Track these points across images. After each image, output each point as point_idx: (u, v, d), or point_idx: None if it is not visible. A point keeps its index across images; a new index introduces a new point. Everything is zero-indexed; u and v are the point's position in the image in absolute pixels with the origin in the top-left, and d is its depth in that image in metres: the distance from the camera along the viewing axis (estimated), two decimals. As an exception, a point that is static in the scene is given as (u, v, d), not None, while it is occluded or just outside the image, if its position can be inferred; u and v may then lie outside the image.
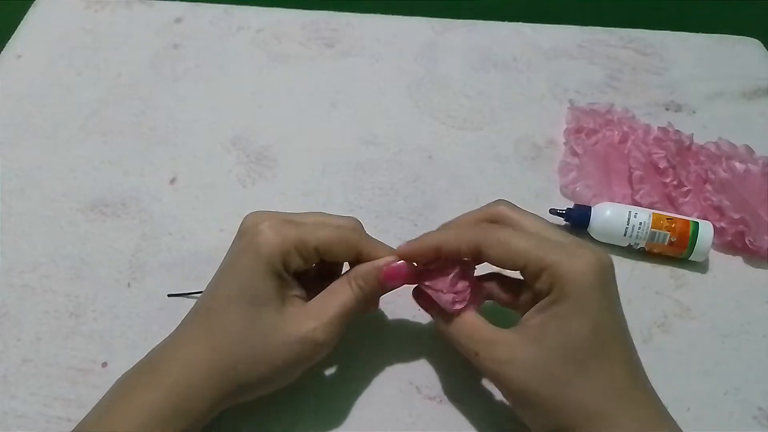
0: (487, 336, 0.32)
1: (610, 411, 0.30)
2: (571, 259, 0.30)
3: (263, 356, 0.31)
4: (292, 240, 0.32)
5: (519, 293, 0.34)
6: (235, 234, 0.34)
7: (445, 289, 0.33)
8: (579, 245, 0.32)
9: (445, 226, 0.36)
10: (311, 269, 0.36)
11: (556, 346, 0.30)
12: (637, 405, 0.30)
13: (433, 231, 0.35)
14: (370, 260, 0.34)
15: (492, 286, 0.36)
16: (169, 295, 0.41)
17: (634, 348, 0.32)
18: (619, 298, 0.32)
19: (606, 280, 0.31)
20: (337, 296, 0.33)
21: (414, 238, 0.34)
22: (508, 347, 0.31)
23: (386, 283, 0.34)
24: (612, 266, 0.32)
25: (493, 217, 0.35)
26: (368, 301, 0.34)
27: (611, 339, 0.31)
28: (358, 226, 0.35)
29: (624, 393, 0.30)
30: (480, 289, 0.35)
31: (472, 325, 0.33)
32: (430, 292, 0.34)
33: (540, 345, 0.30)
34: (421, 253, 0.34)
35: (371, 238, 0.35)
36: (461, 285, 0.34)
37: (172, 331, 0.33)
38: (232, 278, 0.32)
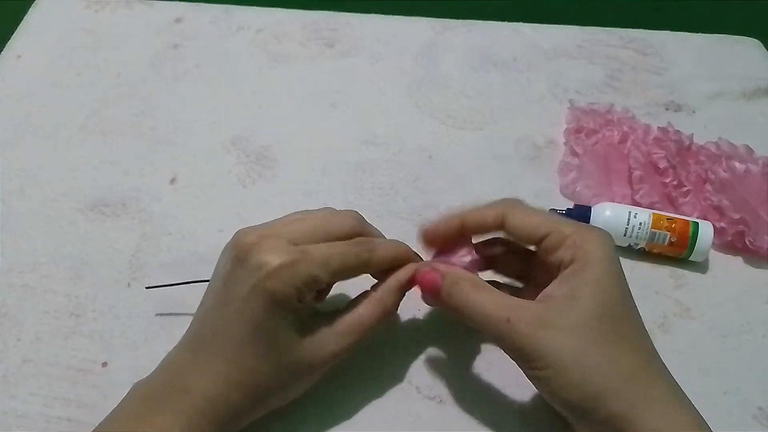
0: (516, 302, 0.32)
1: (645, 374, 0.30)
2: (589, 232, 0.32)
3: (292, 385, 0.33)
4: (304, 280, 0.31)
5: (524, 268, 0.36)
6: (230, 247, 0.32)
7: (459, 263, 0.35)
8: (586, 224, 0.34)
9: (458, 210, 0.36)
10: None
11: (594, 306, 0.30)
12: (663, 372, 0.31)
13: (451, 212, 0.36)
14: (384, 266, 0.34)
15: (499, 255, 0.37)
16: (147, 288, 0.41)
17: None
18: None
19: (616, 254, 0.32)
20: (361, 317, 0.33)
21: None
22: (540, 310, 0.31)
23: (424, 292, 0.35)
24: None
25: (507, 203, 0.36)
26: (392, 306, 0.35)
27: (632, 306, 0.32)
28: (363, 231, 0.35)
29: (654, 357, 0.31)
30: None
31: (496, 292, 0.33)
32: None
33: (575, 307, 0.30)
34: (445, 228, 0.35)
35: (382, 243, 0.35)
36: (473, 257, 0.35)
37: (181, 350, 0.33)
38: (244, 318, 0.31)
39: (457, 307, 0.33)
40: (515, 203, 0.35)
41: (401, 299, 0.35)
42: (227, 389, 0.31)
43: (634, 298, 0.42)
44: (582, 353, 0.30)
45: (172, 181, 0.48)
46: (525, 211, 0.34)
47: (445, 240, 0.36)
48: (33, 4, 0.61)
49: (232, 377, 0.31)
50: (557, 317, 0.30)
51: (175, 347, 0.33)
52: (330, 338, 0.33)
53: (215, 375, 0.31)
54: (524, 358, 0.31)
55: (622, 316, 0.31)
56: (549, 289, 0.32)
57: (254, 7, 0.62)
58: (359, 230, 0.35)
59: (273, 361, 0.31)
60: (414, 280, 0.35)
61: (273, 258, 0.30)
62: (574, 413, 0.31)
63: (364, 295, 0.35)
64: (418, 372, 0.39)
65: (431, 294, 0.34)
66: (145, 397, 0.31)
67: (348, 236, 0.34)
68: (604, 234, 0.32)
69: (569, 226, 0.32)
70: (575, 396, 0.30)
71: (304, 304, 0.32)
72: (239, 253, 0.31)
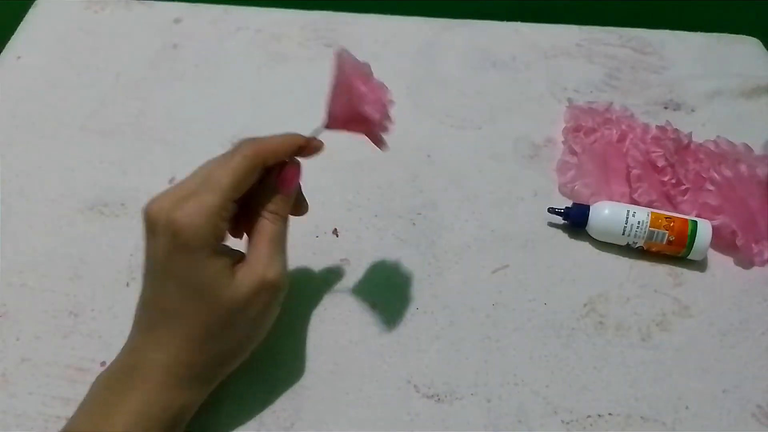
0: None
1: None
2: None
3: (234, 328, 0.32)
4: (213, 211, 0.31)
5: None
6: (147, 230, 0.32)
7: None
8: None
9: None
10: None
11: None
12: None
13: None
14: (278, 153, 0.35)
15: None
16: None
17: None
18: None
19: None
20: (262, 235, 0.33)
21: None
22: None
23: (287, 190, 0.34)
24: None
25: None
26: (287, 212, 0.35)
27: None
28: (246, 145, 0.34)
29: None
30: None
31: None
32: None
33: None
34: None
35: (265, 141, 0.35)
36: None
37: (132, 332, 0.34)
38: (173, 276, 0.31)
39: None
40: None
41: (285, 199, 0.35)
42: (180, 351, 0.32)
43: (633, 297, 0.43)
44: None
45: (171, 180, 0.48)
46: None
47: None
48: (33, 5, 0.61)
49: (180, 337, 0.32)
50: None
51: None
52: (255, 268, 0.32)
53: (165, 341, 0.32)
54: None
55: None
56: None
57: (253, 8, 0.62)
58: (258, 159, 0.34)
59: (211, 307, 0.31)
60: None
61: (171, 212, 0.30)
62: None
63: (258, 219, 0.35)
64: (416, 370, 0.39)
65: (293, 181, 0.35)
66: (106, 383, 0.32)
67: (253, 169, 0.34)
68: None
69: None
70: None
71: (223, 237, 0.32)
72: (148, 226, 0.32)
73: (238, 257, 0.33)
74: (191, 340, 0.32)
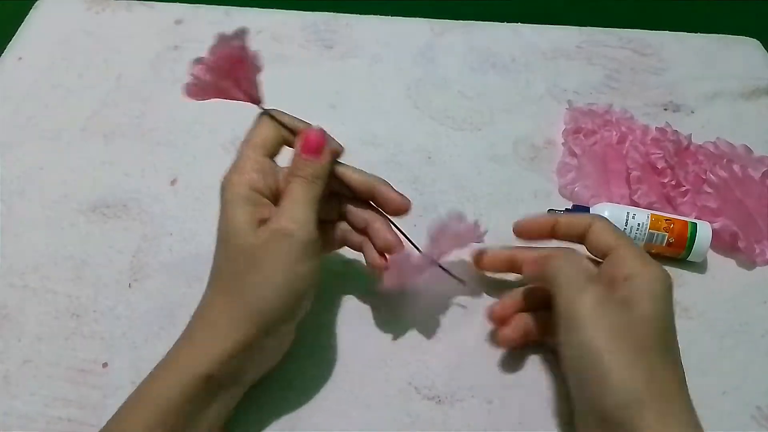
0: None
1: (656, 405, 0.30)
2: (652, 263, 0.34)
3: (254, 277, 0.33)
4: (240, 165, 0.34)
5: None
6: None
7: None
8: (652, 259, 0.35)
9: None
10: None
11: (643, 319, 0.32)
12: (680, 410, 0.31)
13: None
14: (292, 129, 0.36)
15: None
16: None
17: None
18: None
19: (671, 290, 0.34)
20: (286, 194, 0.34)
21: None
22: (598, 294, 0.33)
23: (308, 157, 0.35)
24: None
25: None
26: (319, 181, 0.35)
27: (675, 335, 0.33)
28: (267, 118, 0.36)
29: (674, 394, 0.31)
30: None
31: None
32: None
33: (628, 310, 0.32)
34: (537, 224, 0.39)
35: (285, 117, 0.36)
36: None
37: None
38: (218, 234, 0.34)
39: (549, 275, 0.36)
40: (602, 218, 0.37)
41: (313, 164, 0.35)
42: (212, 298, 0.34)
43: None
44: (621, 344, 0.31)
45: (173, 182, 0.48)
46: (606, 225, 0.36)
47: (532, 235, 0.39)
48: (34, 6, 0.61)
49: (212, 285, 0.34)
50: (616, 312, 0.32)
51: None
52: (272, 224, 0.33)
53: (207, 298, 0.34)
54: (572, 323, 0.33)
55: (665, 337, 0.33)
56: (616, 286, 0.33)
57: (254, 9, 0.62)
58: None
59: (229, 248, 0.33)
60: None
61: (225, 179, 0.34)
62: (591, 400, 0.31)
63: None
64: (417, 372, 0.39)
65: (315, 148, 0.35)
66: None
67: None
68: (666, 271, 0.34)
69: (635, 249, 0.35)
70: (599, 374, 0.31)
71: (255, 187, 0.34)
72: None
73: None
74: (220, 289, 0.33)
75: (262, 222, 0.33)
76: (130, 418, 0.31)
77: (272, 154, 0.36)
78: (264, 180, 0.34)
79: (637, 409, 0.29)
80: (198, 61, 0.33)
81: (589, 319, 0.32)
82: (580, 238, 0.37)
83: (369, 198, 0.37)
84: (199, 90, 0.34)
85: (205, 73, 0.33)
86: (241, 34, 0.33)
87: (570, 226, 0.37)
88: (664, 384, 0.30)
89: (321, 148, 0.35)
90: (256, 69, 0.34)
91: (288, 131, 0.36)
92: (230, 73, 0.34)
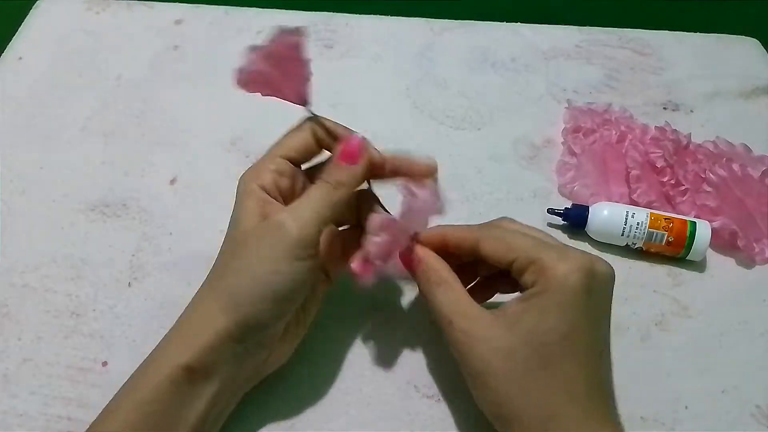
0: (464, 308, 0.32)
1: (562, 415, 0.29)
2: (561, 260, 0.31)
3: (241, 263, 0.32)
4: (267, 163, 0.34)
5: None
6: None
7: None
8: (576, 251, 0.32)
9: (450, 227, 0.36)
10: None
11: (528, 335, 0.30)
12: (588, 417, 0.30)
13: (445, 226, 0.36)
14: (333, 137, 0.35)
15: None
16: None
17: (608, 359, 0.32)
18: (608, 308, 0.32)
19: (594, 286, 0.31)
20: (308, 194, 0.33)
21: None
22: (480, 324, 0.31)
23: (345, 163, 0.34)
24: (608, 276, 0.32)
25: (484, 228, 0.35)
26: (342, 188, 0.33)
27: (584, 344, 0.30)
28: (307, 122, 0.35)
29: (580, 402, 0.30)
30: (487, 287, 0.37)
31: (455, 293, 0.33)
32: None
33: (512, 330, 0.30)
34: (430, 242, 0.35)
35: (327, 121, 0.35)
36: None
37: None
38: (234, 224, 0.34)
39: (424, 294, 0.35)
40: (493, 228, 0.35)
41: (347, 175, 0.34)
42: (211, 275, 0.33)
43: (632, 297, 0.43)
44: (504, 375, 0.30)
45: (173, 181, 0.48)
46: (499, 233, 0.34)
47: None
48: (34, 6, 0.61)
49: (215, 265, 0.33)
50: (491, 333, 0.31)
51: None
52: (273, 216, 0.32)
53: (205, 288, 0.33)
54: (457, 360, 0.33)
55: (565, 352, 0.30)
56: (508, 303, 0.32)
57: (254, 9, 0.62)
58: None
59: (229, 233, 0.33)
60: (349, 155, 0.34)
61: (243, 175, 0.34)
62: (495, 425, 0.32)
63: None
64: (417, 371, 0.39)
65: (355, 156, 0.34)
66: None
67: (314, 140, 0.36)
68: (585, 264, 0.31)
69: (545, 251, 0.31)
70: (490, 412, 0.32)
71: (268, 187, 0.33)
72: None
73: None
74: (208, 277, 0.34)
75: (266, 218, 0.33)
76: (114, 409, 0.31)
77: (298, 160, 0.35)
78: (278, 182, 0.34)
79: (548, 423, 0.29)
80: (253, 48, 0.32)
81: (483, 343, 0.31)
82: (472, 250, 0.34)
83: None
84: (249, 80, 0.33)
85: (258, 63, 0.32)
86: (300, 31, 0.32)
87: (460, 237, 0.35)
88: (553, 407, 0.30)
89: (358, 156, 0.34)
90: (309, 71, 0.33)
91: (329, 136, 0.35)
92: (284, 67, 0.32)
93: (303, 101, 0.34)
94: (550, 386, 0.30)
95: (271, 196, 0.34)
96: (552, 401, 0.30)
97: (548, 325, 0.30)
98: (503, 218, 0.36)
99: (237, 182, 0.34)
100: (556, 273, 0.30)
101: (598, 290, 0.31)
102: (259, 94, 0.34)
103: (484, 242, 0.33)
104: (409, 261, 0.35)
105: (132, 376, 0.32)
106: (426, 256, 0.35)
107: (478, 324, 0.32)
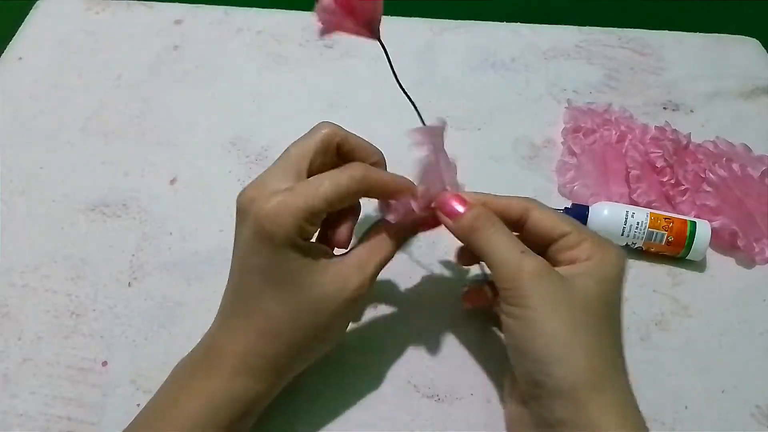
0: (520, 250, 0.33)
1: (609, 372, 0.30)
2: (608, 243, 0.33)
3: (319, 327, 0.32)
4: (301, 213, 0.31)
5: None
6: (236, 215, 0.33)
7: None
8: (606, 239, 0.34)
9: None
10: None
11: (588, 296, 0.31)
12: (621, 383, 0.31)
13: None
14: (381, 187, 0.34)
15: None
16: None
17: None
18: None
19: (625, 272, 0.33)
20: (378, 251, 0.34)
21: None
22: (550, 269, 0.32)
23: (391, 217, 0.35)
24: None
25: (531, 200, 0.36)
26: (404, 239, 0.36)
27: (619, 318, 0.33)
28: (358, 167, 0.34)
29: (617, 368, 0.31)
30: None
31: (508, 235, 0.33)
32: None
33: (568, 287, 0.31)
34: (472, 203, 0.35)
35: (377, 172, 0.35)
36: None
37: (215, 319, 0.34)
38: (253, 267, 0.32)
39: (470, 240, 0.34)
40: (537, 201, 0.35)
41: (414, 229, 0.36)
42: (255, 341, 0.32)
43: (632, 296, 0.43)
44: (562, 319, 0.30)
45: (173, 181, 0.49)
46: (547, 209, 0.35)
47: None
48: (34, 6, 0.61)
49: (255, 328, 0.32)
50: (559, 286, 0.31)
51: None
52: (345, 271, 0.33)
53: (241, 330, 0.32)
54: (514, 293, 0.31)
55: (610, 317, 0.32)
56: (567, 268, 0.33)
57: (254, 9, 0.62)
58: (334, 137, 0.36)
59: (290, 302, 0.32)
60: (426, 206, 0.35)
61: (263, 204, 0.31)
62: (531, 374, 0.31)
63: (375, 230, 0.35)
64: (417, 370, 0.39)
65: (452, 220, 0.34)
66: (182, 368, 0.33)
67: (327, 145, 0.35)
68: (622, 252, 0.33)
69: (589, 232, 0.34)
70: (540, 347, 0.30)
71: (309, 238, 0.33)
72: (238, 214, 0.33)
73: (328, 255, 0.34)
74: (266, 332, 0.32)
75: None
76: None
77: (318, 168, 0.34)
78: (309, 232, 0.33)
79: (574, 389, 0.29)
80: None
81: (530, 290, 0.31)
82: (519, 221, 0.35)
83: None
84: (326, 18, 0.34)
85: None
86: None
87: (505, 208, 0.35)
88: (602, 366, 0.30)
89: (462, 210, 0.34)
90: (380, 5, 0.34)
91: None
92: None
93: (375, 35, 0.35)
94: (602, 345, 0.31)
95: (308, 239, 0.33)
96: (602, 358, 0.30)
97: (603, 292, 0.31)
98: (528, 197, 0.36)
99: (249, 200, 0.32)
100: (610, 251, 0.33)
101: (623, 277, 0.33)
102: (336, 32, 0.34)
103: (536, 211, 0.34)
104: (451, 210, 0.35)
105: (165, 409, 0.32)
106: (475, 199, 0.35)
107: (547, 265, 0.32)
